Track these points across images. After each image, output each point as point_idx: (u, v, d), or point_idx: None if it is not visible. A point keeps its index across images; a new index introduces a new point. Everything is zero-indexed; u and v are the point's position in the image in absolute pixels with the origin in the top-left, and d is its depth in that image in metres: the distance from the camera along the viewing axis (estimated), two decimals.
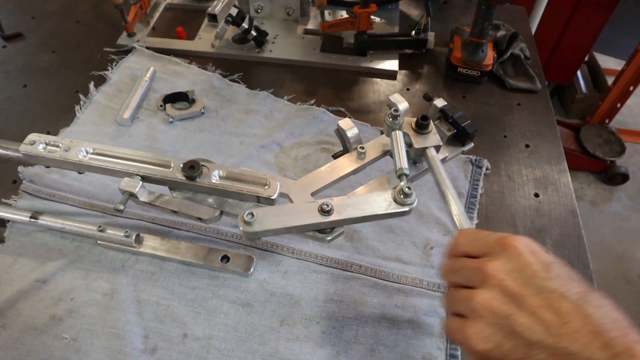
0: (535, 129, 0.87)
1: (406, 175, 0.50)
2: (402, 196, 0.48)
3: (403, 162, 0.50)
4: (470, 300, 0.38)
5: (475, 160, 0.80)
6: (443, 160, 0.57)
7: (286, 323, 0.61)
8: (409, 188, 0.48)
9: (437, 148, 0.54)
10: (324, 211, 0.47)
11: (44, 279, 0.63)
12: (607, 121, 2.11)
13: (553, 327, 0.34)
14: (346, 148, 0.57)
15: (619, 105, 2.02)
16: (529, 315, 0.35)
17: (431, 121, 0.55)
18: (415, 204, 0.48)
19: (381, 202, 0.48)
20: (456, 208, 0.48)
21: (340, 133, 0.56)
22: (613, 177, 2.08)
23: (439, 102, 0.58)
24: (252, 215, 0.46)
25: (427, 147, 0.53)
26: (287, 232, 0.48)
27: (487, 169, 0.79)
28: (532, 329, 0.35)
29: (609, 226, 1.97)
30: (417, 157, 0.55)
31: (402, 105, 0.57)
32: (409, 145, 0.54)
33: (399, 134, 0.52)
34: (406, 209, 0.48)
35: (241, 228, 0.46)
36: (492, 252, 0.39)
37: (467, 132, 0.56)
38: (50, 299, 0.62)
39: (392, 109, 0.54)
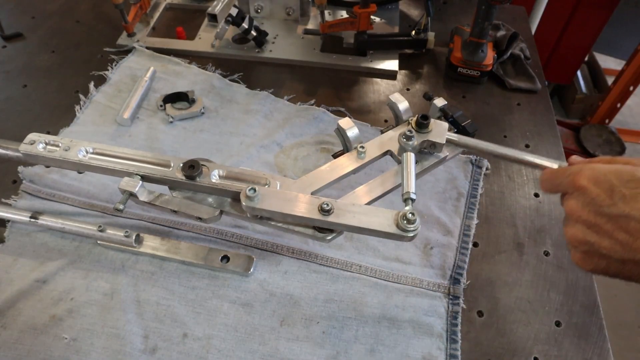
0: (535, 129, 0.87)
1: (412, 200, 0.48)
2: (404, 222, 0.46)
3: (411, 186, 0.49)
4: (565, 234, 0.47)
5: (475, 160, 0.80)
6: (443, 160, 0.57)
7: (286, 323, 0.61)
8: (412, 214, 0.46)
9: (439, 147, 0.54)
10: (324, 210, 0.47)
11: (44, 279, 0.63)
12: (607, 121, 2.11)
13: (628, 245, 0.41)
14: (346, 147, 0.57)
15: (619, 105, 2.02)
16: (608, 238, 0.43)
17: (432, 120, 0.55)
18: (417, 232, 0.47)
19: (384, 220, 0.47)
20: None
21: (340, 132, 0.56)
22: None
23: (439, 102, 0.58)
24: (255, 190, 0.47)
25: (428, 140, 0.54)
26: (282, 218, 0.48)
27: (487, 169, 0.79)
28: (613, 249, 0.42)
29: None
30: (422, 148, 0.55)
31: (402, 105, 0.57)
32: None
33: (410, 157, 0.51)
34: (405, 235, 0.47)
35: (243, 203, 0.47)
36: (567, 191, 0.47)
37: (467, 131, 0.56)
38: (50, 299, 0.61)
39: (407, 130, 0.53)
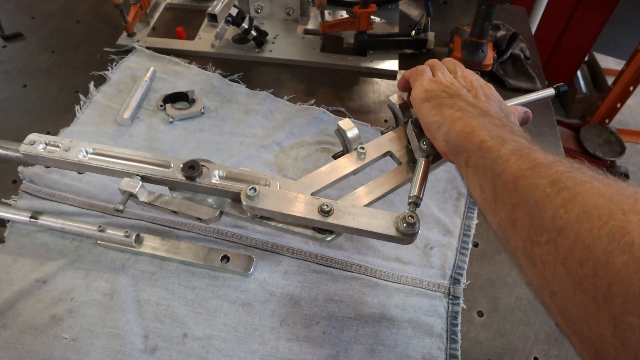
0: (535, 129, 0.87)
1: (417, 205, 0.48)
2: (404, 224, 0.46)
3: (419, 190, 0.49)
4: (445, 70, 0.54)
5: None
6: (443, 161, 0.57)
7: (286, 323, 0.61)
8: (412, 217, 0.46)
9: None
10: (323, 211, 0.47)
11: (44, 279, 0.63)
12: (607, 121, 2.11)
13: (480, 100, 0.49)
14: (346, 148, 0.57)
15: (619, 105, 2.02)
16: (473, 93, 0.50)
17: None
18: (416, 235, 0.47)
19: (384, 222, 0.47)
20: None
21: (340, 133, 0.56)
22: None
23: None
24: (255, 190, 0.47)
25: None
26: (282, 218, 0.48)
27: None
28: (467, 94, 0.49)
29: None
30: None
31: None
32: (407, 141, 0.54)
33: (425, 162, 0.51)
34: (405, 239, 0.47)
35: (244, 203, 0.47)
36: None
37: None
38: (50, 299, 0.62)
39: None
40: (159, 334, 0.59)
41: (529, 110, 0.59)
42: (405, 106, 0.57)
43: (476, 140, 0.41)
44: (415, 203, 0.48)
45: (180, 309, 0.61)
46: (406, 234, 0.46)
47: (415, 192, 0.48)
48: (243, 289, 0.63)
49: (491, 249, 0.70)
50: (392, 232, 0.47)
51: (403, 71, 0.97)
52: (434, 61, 0.56)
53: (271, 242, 0.68)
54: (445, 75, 0.53)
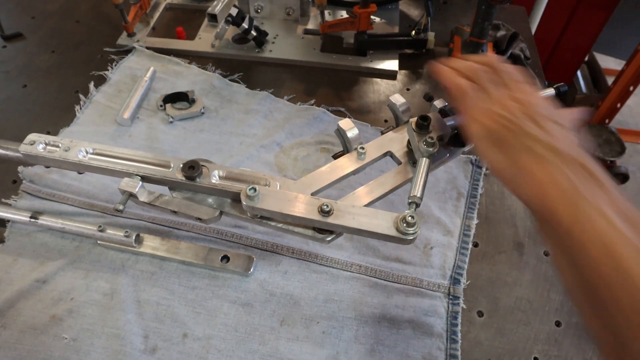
0: None
1: (417, 205, 0.48)
2: (404, 225, 0.46)
3: (419, 190, 0.48)
4: (498, 93, 0.46)
5: (476, 160, 0.80)
6: (444, 161, 0.57)
7: (286, 323, 0.61)
8: (412, 217, 0.46)
9: (446, 136, 0.54)
10: (323, 211, 0.47)
11: (44, 279, 0.63)
12: (607, 121, 2.11)
13: (547, 132, 0.42)
14: (346, 148, 0.57)
15: (619, 105, 2.02)
16: (534, 124, 0.42)
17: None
18: (417, 235, 0.47)
19: (383, 222, 0.47)
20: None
21: (340, 133, 0.56)
22: (613, 177, 2.07)
23: (439, 103, 0.58)
24: (255, 190, 0.47)
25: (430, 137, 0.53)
26: (282, 218, 0.48)
27: (487, 169, 0.79)
28: (533, 128, 0.42)
29: None
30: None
31: (402, 105, 0.57)
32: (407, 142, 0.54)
33: (426, 162, 0.51)
34: (404, 238, 0.47)
35: (244, 203, 0.47)
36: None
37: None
38: (50, 299, 0.62)
39: (428, 137, 0.52)
40: (159, 334, 0.59)
41: (581, 109, 0.51)
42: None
43: (574, 220, 0.35)
44: (416, 203, 0.48)
45: (180, 309, 0.61)
46: (406, 234, 0.46)
47: (415, 192, 0.48)
48: (243, 289, 0.63)
49: (491, 249, 0.70)
50: (392, 232, 0.47)
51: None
52: (482, 68, 0.48)
53: (271, 242, 0.68)
54: (500, 102, 0.45)
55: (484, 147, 0.44)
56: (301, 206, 0.48)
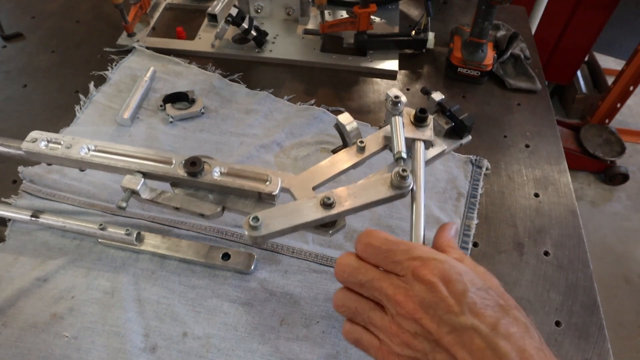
0: (535, 129, 0.88)
1: (403, 159, 0.51)
2: (398, 179, 0.48)
3: (401, 146, 0.51)
4: (384, 326, 0.39)
5: (475, 160, 0.80)
6: (442, 154, 0.57)
7: (286, 322, 0.61)
8: (404, 170, 0.48)
9: (427, 145, 0.55)
10: (326, 205, 0.48)
11: (45, 277, 0.63)
12: (607, 121, 2.11)
13: None
14: (345, 142, 0.57)
15: (619, 105, 2.03)
16: (444, 352, 0.36)
17: (430, 116, 0.55)
18: (411, 186, 0.49)
19: (380, 187, 0.49)
20: (422, 215, 0.48)
21: (339, 128, 0.56)
22: (613, 177, 2.08)
23: (437, 96, 0.58)
24: (257, 219, 0.46)
25: (416, 139, 0.54)
26: (293, 231, 0.48)
27: (487, 169, 0.80)
28: None
29: (609, 226, 1.97)
30: (407, 148, 0.55)
31: (401, 98, 0.57)
32: None
33: (398, 119, 0.53)
34: (403, 191, 0.49)
35: (247, 233, 0.46)
36: (404, 275, 0.39)
37: (464, 124, 0.56)
38: (51, 297, 0.62)
39: (394, 95, 0.55)
40: (159, 332, 0.59)
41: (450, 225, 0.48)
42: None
43: None
44: (402, 157, 0.51)
45: (180, 308, 0.61)
46: (403, 187, 0.49)
47: (398, 148, 0.51)
48: (243, 288, 0.63)
49: (491, 249, 0.70)
50: (392, 192, 0.49)
51: (403, 71, 0.97)
52: (345, 300, 0.43)
53: (271, 241, 0.68)
54: (391, 337, 0.39)
55: None
56: (305, 211, 0.48)
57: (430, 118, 0.56)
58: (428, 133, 0.55)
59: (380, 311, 0.40)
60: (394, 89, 0.57)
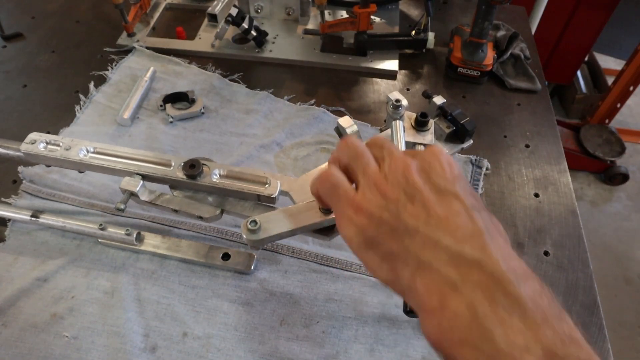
0: (535, 129, 0.88)
1: None
2: None
3: (402, 148, 0.51)
4: (372, 172, 0.36)
5: (475, 160, 0.80)
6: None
7: (286, 322, 0.61)
8: None
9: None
10: (325, 209, 0.47)
11: (45, 277, 0.63)
12: (607, 121, 2.11)
13: (434, 218, 0.33)
14: None
15: (619, 105, 2.03)
16: (420, 206, 0.33)
17: (431, 120, 0.55)
18: None
19: None
20: None
21: (339, 130, 0.56)
22: (613, 177, 2.08)
23: (438, 100, 0.58)
24: (256, 222, 0.46)
25: (417, 143, 0.54)
26: (291, 235, 0.48)
27: (487, 169, 0.80)
28: (416, 216, 0.33)
29: (609, 226, 1.97)
30: None
31: (402, 102, 0.57)
32: None
33: (399, 124, 0.53)
34: None
35: (245, 237, 0.46)
36: (376, 155, 0.38)
37: (466, 128, 0.56)
38: (51, 297, 0.62)
39: (395, 99, 0.55)
40: (159, 332, 0.59)
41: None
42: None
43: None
44: None
45: (180, 308, 0.61)
46: None
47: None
48: (243, 288, 0.64)
49: None
50: None
51: (403, 71, 0.97)
52: (345, 150, 0.40)
53: None
54: (370, 184, 0.36)
55: (359, 254, 0.35)
56: (304, 215, 0.48)
57: (432, 122, 0.56)
58: (429, 137, 0.55)
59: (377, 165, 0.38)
60: (395, 93, 0.57)
